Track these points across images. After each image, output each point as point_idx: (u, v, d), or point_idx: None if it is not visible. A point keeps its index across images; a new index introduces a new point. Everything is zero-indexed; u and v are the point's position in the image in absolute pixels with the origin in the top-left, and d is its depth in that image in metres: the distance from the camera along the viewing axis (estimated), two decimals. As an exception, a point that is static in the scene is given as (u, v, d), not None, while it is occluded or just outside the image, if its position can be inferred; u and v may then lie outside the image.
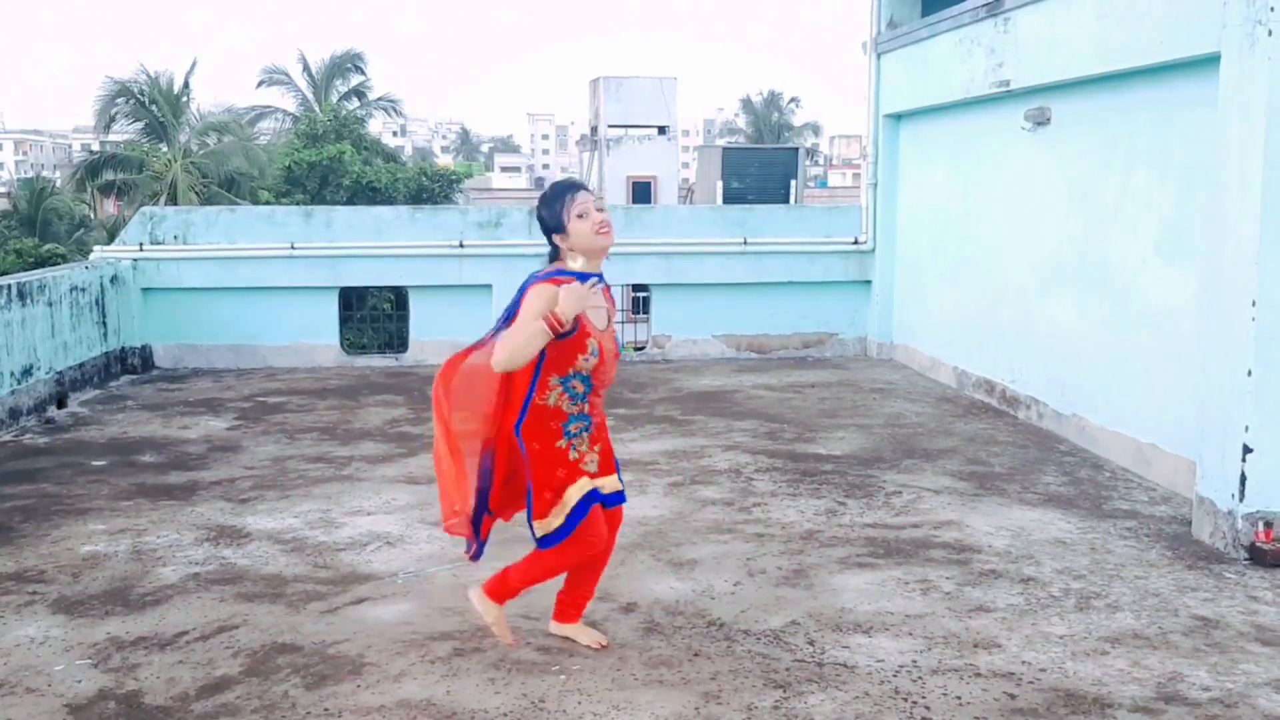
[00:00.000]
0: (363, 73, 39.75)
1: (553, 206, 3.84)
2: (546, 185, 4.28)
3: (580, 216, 3.80)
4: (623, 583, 4.89)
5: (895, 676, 4.00)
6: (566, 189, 3.89)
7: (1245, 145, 5.18)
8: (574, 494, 3.90)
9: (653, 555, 5.27)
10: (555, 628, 4.31)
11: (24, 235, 30.52)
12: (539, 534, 3.95)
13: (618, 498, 4.11)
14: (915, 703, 3.80)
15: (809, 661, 4.12)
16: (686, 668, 4.06)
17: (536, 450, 3.88)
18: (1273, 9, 4.98)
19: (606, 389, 4.05)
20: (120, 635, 4.36)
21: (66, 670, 4.06)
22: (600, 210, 3.86)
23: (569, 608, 4.29)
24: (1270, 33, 4.99)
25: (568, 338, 3.77)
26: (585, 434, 3.94)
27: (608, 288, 4.07)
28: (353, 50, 39.86)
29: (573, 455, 3.91)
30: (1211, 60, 5.65)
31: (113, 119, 33.81)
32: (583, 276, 3.80)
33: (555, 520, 3.91)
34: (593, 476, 3.96)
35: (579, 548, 3.95)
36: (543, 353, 3.77)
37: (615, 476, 4.09)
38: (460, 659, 4.14)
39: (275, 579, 4.98)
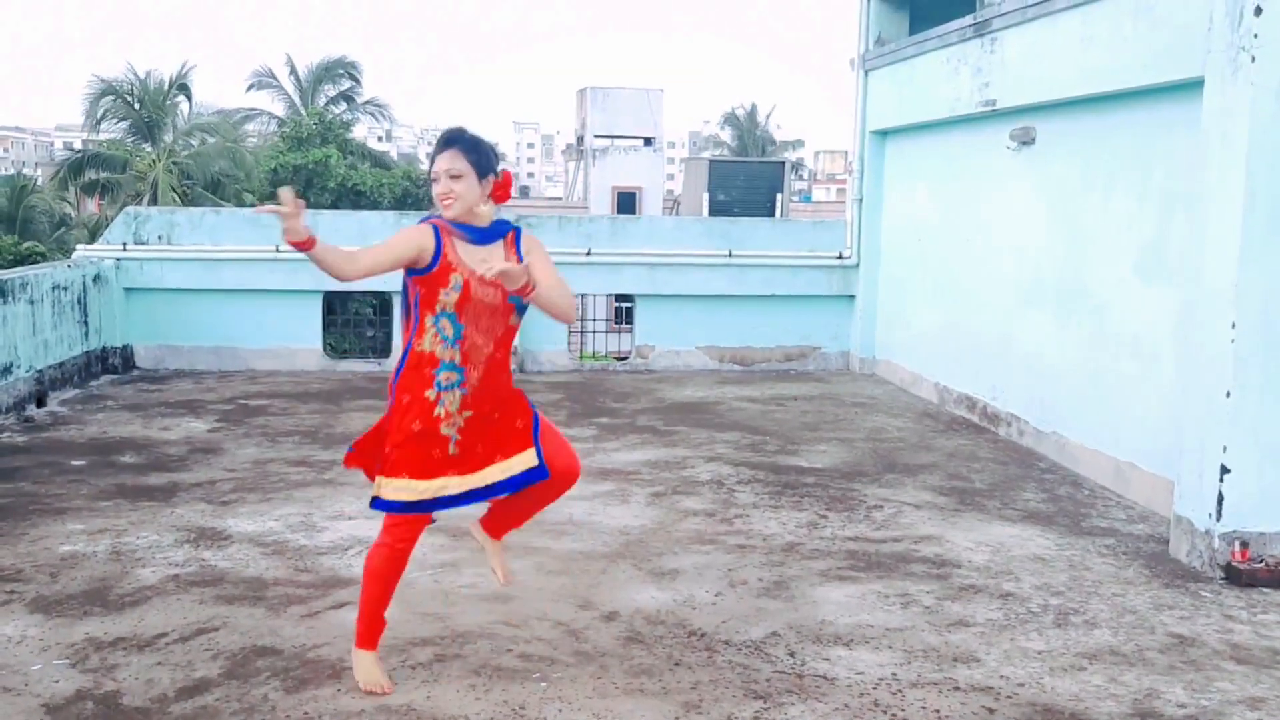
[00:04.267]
0: (356, 80, 39.69)
1: (430, 155, 3.83)
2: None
3: (433, 180, 3.75)
4: (604, 592, 4.90)
5: (875, 689, 4.02)
6: (437, 145, 3.76)
7: (1226, 169, 5.25)
8: (387, 486, 3.75)
9: (634, 565, 5.28)
10: (475, 529, 4.24)
11: (4, 232, 30.29)
12: (371, 493, 3.83)
13: (527, 477, 3.88)
14: (894, 715, 3.82)
15: (789, 673, 4.14)
16: (667, 677, 4.07)
17: (405, 402, 3.75)
18: (1256, 35, 5.06)
19: (488, 344, 3.78)
20: (98, 636, 4.34)
21: (44, 670, 4.03)
22: (453, 178, 3.67)
23: (496, 522, 4.19)
24: (1254, 59, 5.07)
25: (428, 272, 3.69)
26: (455, 389, 3.74)
27: (513, 236, 3.84)
28: (345, 58, 39.81)
29: (438, 411, 3.72)
30: (1194, 84, 5.73)
31: (101, 118, 33.64)
32: (461, 227, 3.72)
33: (378, 490, 3.79)
34: (444, 461, 3.76)
35: (379, 548, 3.83)
36: (418, 293, 3.74)
37: (517, 458, 3.86)
38: (440, 665, 4.13)
39: (256, 582, 4.96)
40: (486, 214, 3.80)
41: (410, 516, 3.80)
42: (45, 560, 5.19)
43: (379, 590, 3.90)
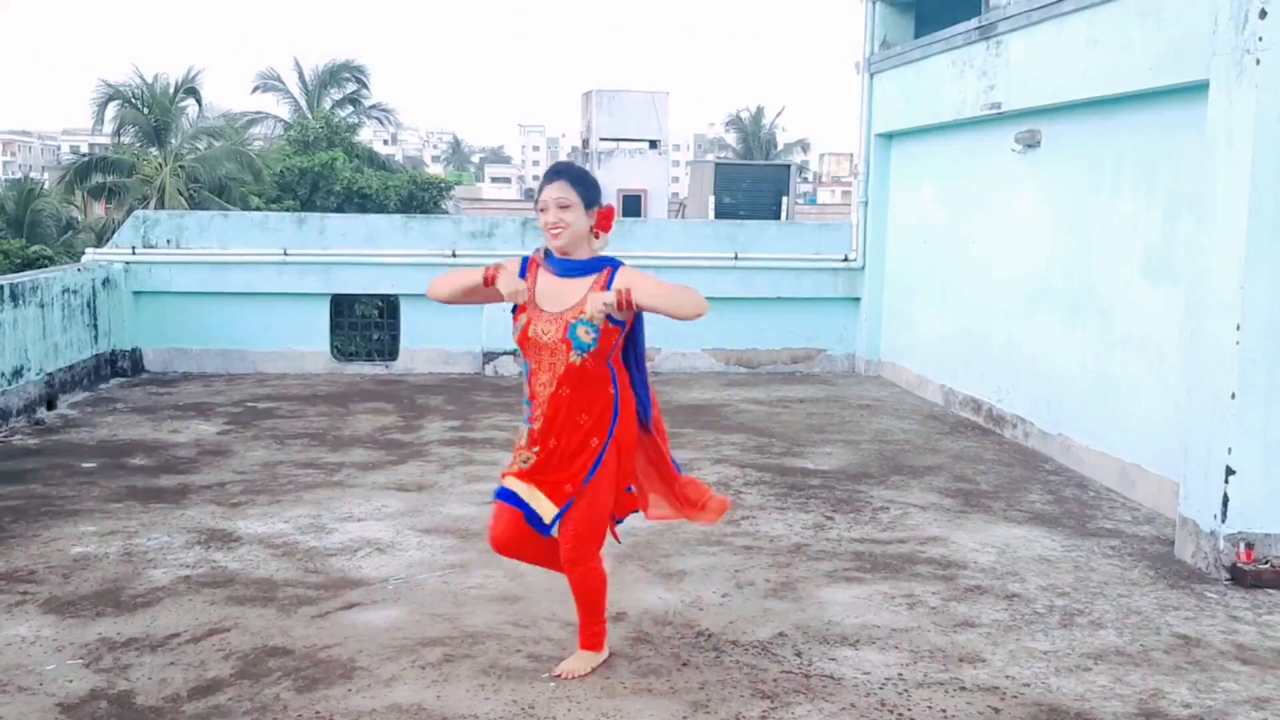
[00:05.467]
0: (364, 84, 39.82)
1: (539, 185, 3.93)
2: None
3: (541, 210, 3.84)
4: (612, 592, 4.90)
5: (881, 689, 4.05)
6: (546, 176, 3.88)
7: (1231, 171, 5.27)
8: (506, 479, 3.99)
9: (642, 566, 5.31)
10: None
11: (11, 236, 30.39)
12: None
13: (537, 522, 3.93)
14: (901, 715, 3.85)
15: (796, 673, 4.17)
16: (675, 677, 4.10)
17: None
18: (1261, 38, 5.08)
19: (551, 383, 3.82)
20: (111, 636, 4.38)
21: (58, 670, 4.07)
22: (562, 208, 3.78)
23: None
24: (1259, 62, 5.09)
25: (514, 312, 3.93)
26: (526, 424, 3.91)
27: (609, 272, 3.84)
28: (352, 61, 39.95)
29: (521, 440, 3.95)
30: (1199, 87, 5.75)
31: (118, 130, 33.74)
32: (552, 261, 3.87)
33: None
34: (517, 476, 3.93)
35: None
36: None
37: (552, 505, 3.90)
38: (450, 664, 4.17)
39: (266, 583, 5.00)
40: (596, 247, 3.91)
41: (497, 503, 4.00)
42: (58, 561, 5.23)
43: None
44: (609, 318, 3.78)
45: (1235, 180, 5.24)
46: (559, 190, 3.81)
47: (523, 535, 3.97)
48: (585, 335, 3.78)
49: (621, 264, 3.90)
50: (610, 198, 36.32)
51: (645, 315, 3.92)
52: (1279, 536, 5.31)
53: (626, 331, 3.91)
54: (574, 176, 3.86)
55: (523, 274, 3.91)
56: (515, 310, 3.91)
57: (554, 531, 3.96)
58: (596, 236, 3.90)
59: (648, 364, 4.08)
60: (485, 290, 3.91)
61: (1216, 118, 5.41)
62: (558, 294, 3.85)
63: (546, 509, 3.91)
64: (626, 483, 4.03)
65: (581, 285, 3.84)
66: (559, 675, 4.06)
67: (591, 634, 4.15)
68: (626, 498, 4.07)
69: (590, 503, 3.89)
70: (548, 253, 3.91)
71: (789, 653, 4.34)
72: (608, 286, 3.81)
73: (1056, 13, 7.42)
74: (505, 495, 3.96)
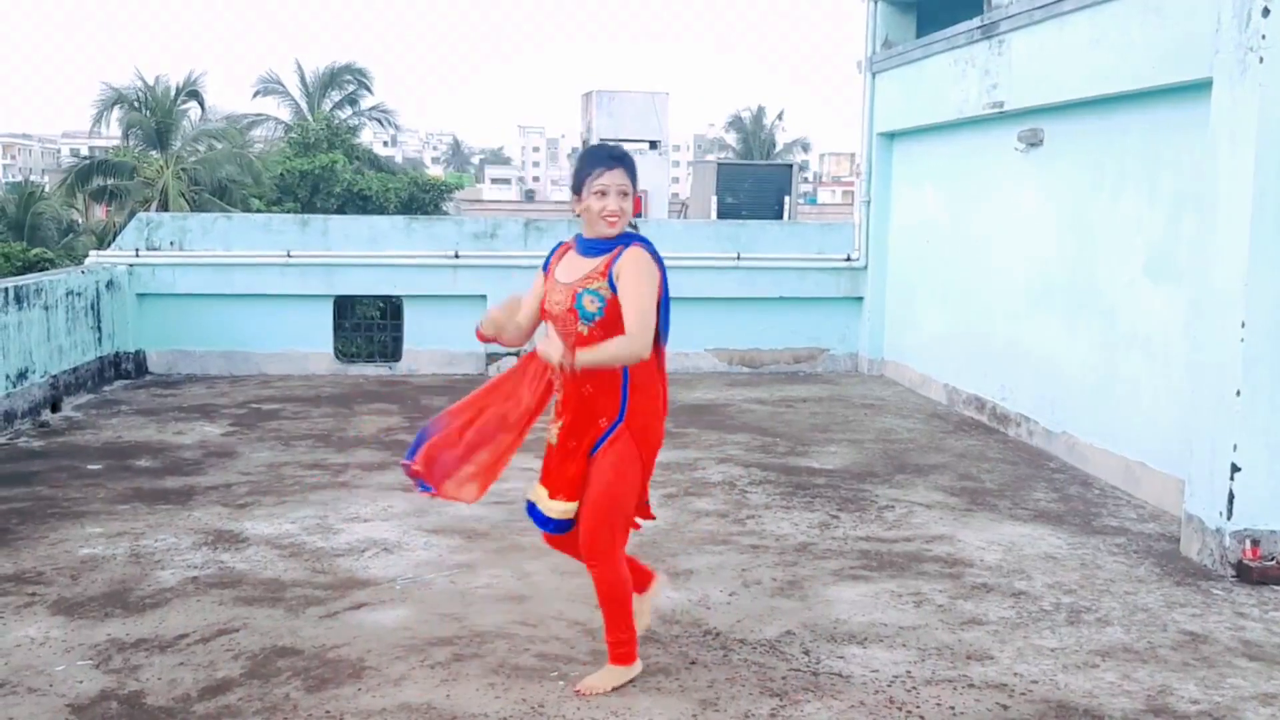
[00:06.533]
0: (366, 86, 39.84)
1: (582, 169, 3.80)
2: (575, 156, 4.23)
3: (600, 194, 3.75)
4: (619, 591, 4.94)
5: (890, 686, 4.06)
6: (600, 160, 3.76)
7: (1234, 169, 5.28)
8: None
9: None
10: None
11: (12, 239, 30.42)
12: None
13: (541, 519, 3.96)
14: (910, 712, 3.86)
15: (804, 671, 4.18)
16: (684, 676, 4.11)
17: None
18: (1264, 36, 5.09)
19: (570, 348, 3.75)
20: (120, 637, 4.39)
21: (68, 671, 4.08)
22: (624, 195, 3.74)
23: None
24: (1262, 60, 5.10)
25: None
26: (555, 400, 3.92)
27: (618, 252, 3.78)
28: (353, 64, 39.98)
29: (548, 411, 3.95)
30: (1202, 86, 5.76)
31: (126, 133, 33.79)
32: (584, 244, 3.84)
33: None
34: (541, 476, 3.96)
35: None
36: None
37: (561, 500, 3.89)
38: (460, 664, 4.18)
39: (274, 583, 5.01)
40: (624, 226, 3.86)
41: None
42: (65, 563, 5.24)
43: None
44: (615, 291, 3.72)
45: (1238, 178, 5.25)
46: (620, 177, 3.74)
47: (565, 538, 4.02)
48: (590, 304, 3.73)
49: (635, 241, 3.79)
50: (611, 198, 36.32)
51: (669, 294, 3.83)
52: (1284, 533, 5.32)
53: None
54: (630, 165, 3.79)
55: (545, 266, 3.92)
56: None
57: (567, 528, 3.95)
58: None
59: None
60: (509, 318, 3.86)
61: (1219, 116, 5.42)
62: (573, 266, 3.83)
63: (554, 508, 3.90)
64: (646, 479, 3.97)
65: (596, 260, 3.80)
66: (578, 691, 3.94)
67: (614, 644, 3.97)
68: (642, 506, 4.05)
69: (600, 492, 3.80)
70: (578, 236, 3.89)
71: (797, 651, 4.35)
72: (610, 268, 3.75)
73: (1058, 11, 7.43)
74: (530, 510, 4.01)
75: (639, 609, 4.07)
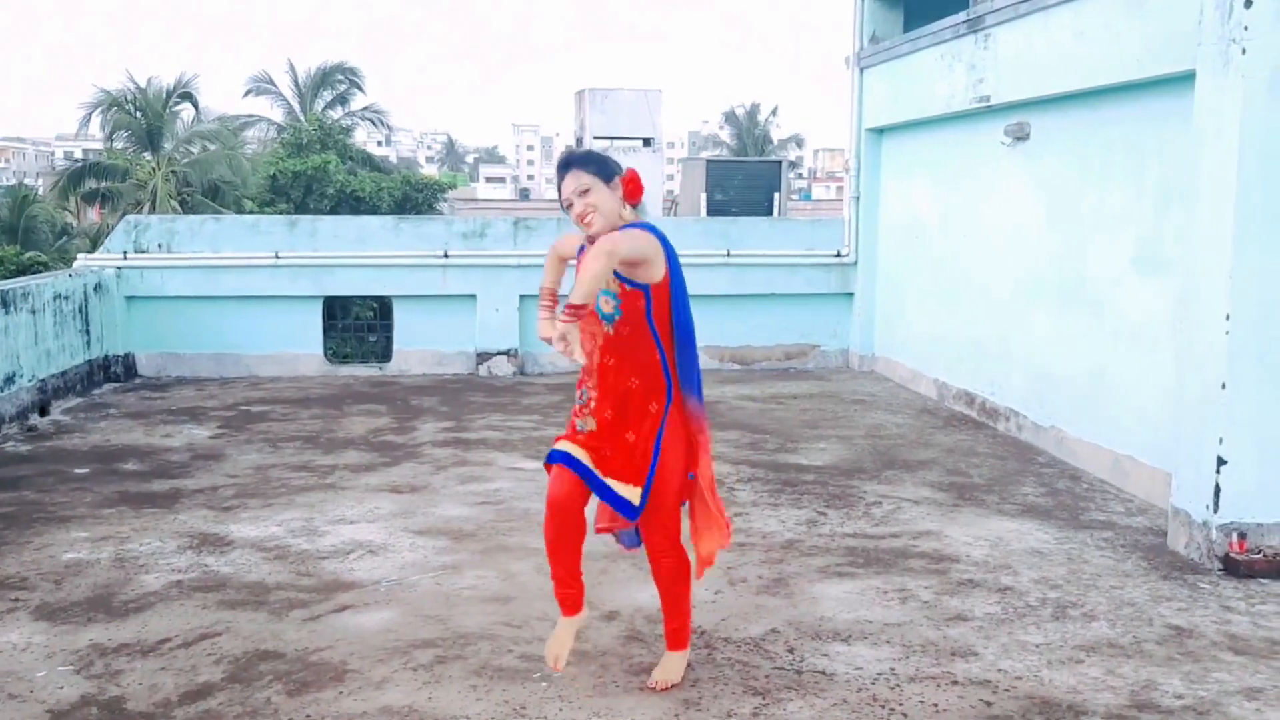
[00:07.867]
0: (358, 86, 39.79)
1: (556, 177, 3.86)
2: (561, 157, 4.07)
3: (567, 205, 3.76)
4: (604, 591, 4.93)
5: (873, 684, 4.04)
6: (557, 172, 3.80)
7: (1219, 161, 5.27)
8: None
9: (634, 564, 5.29)
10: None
11: (5, 243, 30.35)
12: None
13: (623, 508, 3.77)
14: (893, 710, 3.85)
15: (788, 669, 4.16)
16: (667, 675, 4.09)
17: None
18: (1246, 28, 5.08)
19: (595, 352, 3.78)
20: (103, 642, 4.37)
21: (49, 676, 4.06)
22: (583, 194, 3.70)
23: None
24: (1244, 51, 5.09)
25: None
26: (586, 392, 3.84)
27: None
28: (345, 63, 39.94)
29: (587, 402, 3.82)
30: (1187, 78, 5.75)
31: (111, 134, 33.74)
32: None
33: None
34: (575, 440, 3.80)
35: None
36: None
37: (627, 486, 3.76)
38: (442, 666, 4.16)
39: (258, 586, 4.99)
40: (629, 217, 3.79)
41: (555, 465, 3.78)
42: (49, 568, 5.22)
43: (548, 551, 3.86)
44: (623, 281, 3.66)
45: (1223, 170, 5.24)
46: (573, 181, 3.73)
47: (576, 499, 3.78)
48: (606, 305, 3.70)
49: (630, 227, 3.71)
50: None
51: (682, 282, 3.77)
52: (1271, 526, 5.32)
53: (658, 294, 3.72)
54: (580, 160, 3.77)
55: (581, 250, 3.86)
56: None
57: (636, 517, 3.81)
58: (632, 206, 3.79)
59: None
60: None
61: (1203, 108, 5.42)
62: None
63: (631, 493, 3.76)
64: (693, 465, 3.88)
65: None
66: (653, 687, 3.93)
67: (680, 629, 4.00)
68: (689, 483, 3.92)
69: (664, 482, 3.77)
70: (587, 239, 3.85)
71: (781, 649, 4.34)
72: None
73: (1043, 5, 7.42)
74: (562, 458, 3.77)
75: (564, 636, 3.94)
